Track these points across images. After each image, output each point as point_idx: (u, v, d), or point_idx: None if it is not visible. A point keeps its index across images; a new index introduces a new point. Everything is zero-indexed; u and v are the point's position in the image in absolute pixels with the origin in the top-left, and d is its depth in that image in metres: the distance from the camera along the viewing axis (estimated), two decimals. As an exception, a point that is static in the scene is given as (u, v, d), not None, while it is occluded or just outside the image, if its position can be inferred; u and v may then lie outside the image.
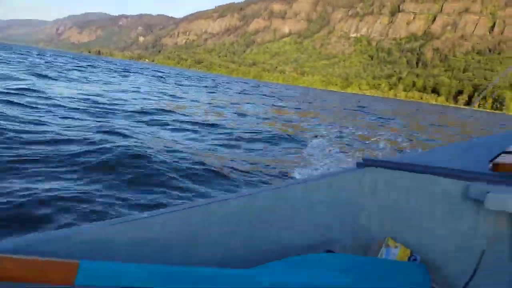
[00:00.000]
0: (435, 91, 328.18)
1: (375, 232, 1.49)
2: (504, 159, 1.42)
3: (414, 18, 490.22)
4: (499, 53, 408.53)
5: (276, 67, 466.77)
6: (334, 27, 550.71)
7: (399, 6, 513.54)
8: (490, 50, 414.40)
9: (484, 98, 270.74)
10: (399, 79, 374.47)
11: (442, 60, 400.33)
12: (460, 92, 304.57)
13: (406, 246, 1.41)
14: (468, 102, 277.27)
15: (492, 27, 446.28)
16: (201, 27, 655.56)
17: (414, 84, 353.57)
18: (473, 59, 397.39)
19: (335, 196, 1.42)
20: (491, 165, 1.37)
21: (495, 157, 1.45)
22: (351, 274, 1.03)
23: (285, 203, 1.29)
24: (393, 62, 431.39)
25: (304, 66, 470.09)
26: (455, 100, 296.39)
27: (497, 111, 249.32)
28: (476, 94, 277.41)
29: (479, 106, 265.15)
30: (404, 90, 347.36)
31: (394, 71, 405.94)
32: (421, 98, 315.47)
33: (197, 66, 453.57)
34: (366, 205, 1.50)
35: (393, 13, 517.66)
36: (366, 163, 1.51)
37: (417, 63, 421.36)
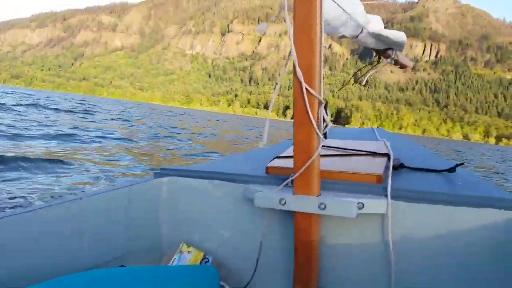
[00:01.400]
0: (266, 107, 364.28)
1: (171, 240, 1.57)
2: (275, 163, 1.61)
3: (242, 38, 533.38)
4: (359, 69, 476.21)
5: (111, 82, 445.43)
6: (169, 43, 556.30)
7: (228, 26, 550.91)
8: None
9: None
10: (235, 95, 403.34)
11: (270, 78, 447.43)
12: (287, 107, 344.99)
13: (200, 249, 1.52)
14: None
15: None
16: (16, 37, 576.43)
17: (249, 101, 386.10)
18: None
19: (131, 207, 1.45)
20: (265, 169, 1.58)
21: (270, 162, 1.64)
22: (138, 286, 1.02)
23: (73, 217, 1.27)
24: (229, 80, 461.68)
25: (142, 81, 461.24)
26: (284, 114, 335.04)
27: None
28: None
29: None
30: (241, 106, 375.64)
31: (231, 89, 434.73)
32: (256, 114, 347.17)
33: (15, 81, 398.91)
34: (162, 214, 1.59)
35: (223, 33, 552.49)
36: (162, 173, 1.62)
37: (249, 80, 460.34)
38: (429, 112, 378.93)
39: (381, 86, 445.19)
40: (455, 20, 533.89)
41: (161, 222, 1.60)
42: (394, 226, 1.25)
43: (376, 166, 1.49)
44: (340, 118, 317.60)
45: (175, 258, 1.47)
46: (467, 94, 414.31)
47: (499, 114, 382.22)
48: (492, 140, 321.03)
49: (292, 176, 1.20)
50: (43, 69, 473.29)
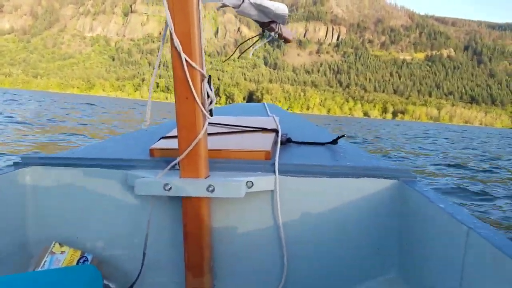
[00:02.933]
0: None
1: (39, 241, 1.36)
2: (159, 144, 1.49)
3: (147, 19, 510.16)
4: (225, 55, 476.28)
5: (0, 69, 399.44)
6: (66, 25, 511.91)
7: (131, 7, 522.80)
8: (218, 53, 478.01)
9: (219, 95, 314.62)
10: (143, 80, 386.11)
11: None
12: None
13: (77, 247, 1.35)
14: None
15: (216, 32, 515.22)
16: None
17: (157, 85, 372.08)
18: (206, 61, 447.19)
19: None
20: (149, 151, 1.45)
21: (154, 143, 1.51)
22: None
23: None
24: (136, 63, 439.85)
25: (37, 67, 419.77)
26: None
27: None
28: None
29: (216, 103, 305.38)
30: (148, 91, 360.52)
31: (138, 72, 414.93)
32: (166, 98, 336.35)
33: None
34: (27, 210, 1.37)
35: (126, 14, 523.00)
36: (25, 162, 1.40)
37: (159, 64, 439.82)
38: (333, 93, 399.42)
39: (289, 69, 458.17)
40: (353, 4, 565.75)
41: (27, 221, 1.37)
42: (283, 201, 1.27)
43: (265, 142, 1.48)
44: (252, 100, 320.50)
45: (45, 261, 1.28)
46: (366, 74, 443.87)
47: (395, 92, 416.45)
48: (389, 116, 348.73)
49: (177, 158, 1.13)
50: None
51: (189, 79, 1.02)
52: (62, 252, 1.31)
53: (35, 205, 1.38)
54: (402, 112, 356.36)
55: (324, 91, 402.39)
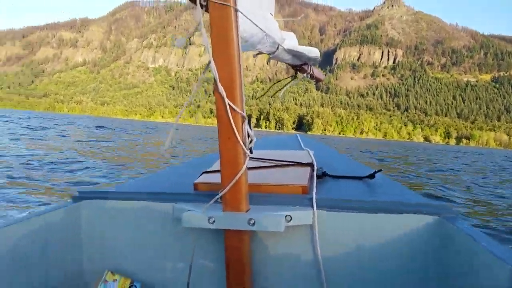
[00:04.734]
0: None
1: (94, 270, 1.46)
2: (202, 178, 1.55)
3: (204, 50, 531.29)
4: (277, 82, 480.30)
5: (72, 98, 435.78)
6: (131, 57, 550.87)
7: (189, 39, 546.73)
8: (270, 79, 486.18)
9: (269, 119, 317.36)
10: (198, 106, 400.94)
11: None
12: (250, 116, 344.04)
13: (127, 276, 1.43)
14: (256, 125, 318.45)
15: (268, 60, 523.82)
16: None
17: (211, 111, 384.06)
18: (258, 87, 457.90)
19: (47, 237, 1.32)
20: (193, 185, 1.51)
21: (197, 178, 1.58)
22: None
23: None
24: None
25: (104, 96, 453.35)
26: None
27: (280, 130, 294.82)
28: (261, 117, 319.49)
29: (265, 127, 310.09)
30: (203, 117, 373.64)
31: (194, 100, 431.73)
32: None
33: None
34: (83, 241, 1.47)
35: (185, 46, 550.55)
36: (82, 196, 1.49)
37: (213, 91, 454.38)
38: (390, 116, 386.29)
39: (342, 93, 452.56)
40: (410, 26, 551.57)
41: (83, 251, 1.47)
42: (321, 236, 1.28)
43: (301, 176, 1.52)
44: (302, 125, 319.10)
45: None
46: (426, 97, 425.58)
47: (459, 116, 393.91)
48: (452, 141, 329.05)
49: (220, 192, 1.19)
50: (1, 88, 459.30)
51: (232, 121, 1.09)
52: (114, 280, 1.38)
53: (90, 237, 1.46)
54: (467, 138, 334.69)
55: (380, 114, 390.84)
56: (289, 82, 1.65)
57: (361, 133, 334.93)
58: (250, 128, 1.15)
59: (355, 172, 1.83)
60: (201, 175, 1.63)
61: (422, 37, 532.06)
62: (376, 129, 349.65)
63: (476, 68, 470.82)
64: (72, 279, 1.41)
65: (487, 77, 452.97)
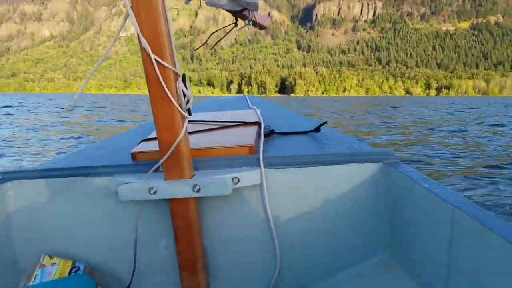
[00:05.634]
0: (210, 84, 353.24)
1: (29, 255, 1.34)
2: (141, 147, 1.45)
3: (178, 14, 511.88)
4: (257, 43, 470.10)
5: (43, 75, 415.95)
6: (101, 27, 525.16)
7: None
8: (249, 41, 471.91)
9: (251, 84, 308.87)
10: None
11: (212, 53, 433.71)
12: (231, 82, 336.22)
13: (68, 258, 1.34)
14: (239, 90, 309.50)
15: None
16: None
17: (190, 79, 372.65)
18: (237, 50, 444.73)
19: None
20: (131, 155, 1.42)
21: (135, 147, 1.49)
22: None
23: None
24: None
25: (77, 71, 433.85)
26: (228, 89, 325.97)
27: (263, 95, 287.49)
28: (243, 82, 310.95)
29: (248, 93, 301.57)
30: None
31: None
32: (199, 92, 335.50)
33: None
34: (13, 226, 1.35)
35: None
36: (6, 177, 1.37)
37: (191, 58, 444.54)
38: (372, 72, 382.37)
39: (324, 51, 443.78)
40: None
41: (13, 237, 1.35)
42: (270, 194, 1.28)
43: (248, 136, 1.48)
44: (285, 87, 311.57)
45: (36, 274, 1.25)
46: (407, 49, 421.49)
47: (439, 66, 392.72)
48: (432, 92, 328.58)
49: (159, 160, 1.12)
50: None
51: (162, 80, 1.00)
52: (53, 264, 1.29)
53: (21, 220, 1.36)
54: (447, 87, 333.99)
55: (362, 70, 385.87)
56: (230, 31, 1.49)
57: (344, 91, 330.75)
58: (186, 86, 1.06)
59: (302, 127, 1.84)
60: (139, 143, 1.54)
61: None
62: (358, 86, 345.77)
63: (454, 16, 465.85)
64: (4, 269, 1.31)
65: (465, 24, 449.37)
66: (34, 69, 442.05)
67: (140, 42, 0.98)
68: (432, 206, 0.97)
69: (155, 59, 0.98)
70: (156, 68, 0.99)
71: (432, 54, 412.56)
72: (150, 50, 0.97)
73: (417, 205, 1.05)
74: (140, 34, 0.97)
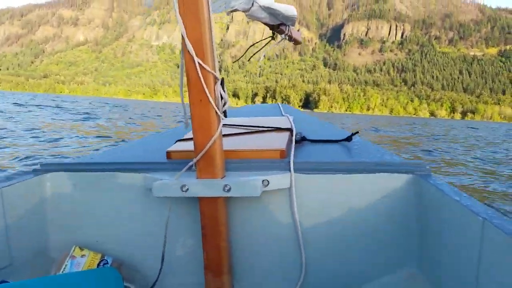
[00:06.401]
0: (235, 95, 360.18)
1: (60, 245, 1.39)
2: (176, 147, 1.50)
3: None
4: (284, 58, 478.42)
5: (74, 78, 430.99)
6: (134, 35, 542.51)
7: None
8: (277, 56, 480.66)
9: (275, 97, 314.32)
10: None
11: (240, 66, 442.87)
12: (255, 95, 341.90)
13: (97, 251, 1.36)
14: (263, 102, 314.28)
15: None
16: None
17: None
18: (264, 64, 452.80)
19: (6, 212, 1.24)
20: (166, 154, 1.47)
21: (170, 146, 1.53)
22: None
23: None
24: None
25: (106, 75, 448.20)
26: (253, 101, 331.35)
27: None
28: (268, 95, 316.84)
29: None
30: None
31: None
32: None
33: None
34: (48, 216, 1.40)
35: (151, 5, 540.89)
36: (45, 168, 1.42)
37: (220, 69, 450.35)
38: (396, 92, 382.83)
39: (350, 69, 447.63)
40: (418, 0, 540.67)
41: (47, 226, 1.39)
42: (299, 199, 1.28)
43: (279, 141, 1.51)
44: (309, 102, 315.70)
45: (66, 265, 1.29)
46: (433, 72, 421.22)
47: (465, 90, 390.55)
48: (457, 116, 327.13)
49: (193, 160, 1.15)
50: (0, 69, 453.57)
51: (203, 82, 1.04)
52: (82, 256, 1.32)
53: (56, 211, 1.40)
54: (473, 112, 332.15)
55: (387, 90, 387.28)
56: (267, 44, 1.55)
57: (368, 109, 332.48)
58: (224, 90, 1.10)
59: (334, 136, 1.83)
60: (174, 143, 1.59)
61: (430, 11, 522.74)
62: (382, 105, 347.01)
63: (483, 42, 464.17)
64: (36, 257, 1.34)
65: (493, 50, 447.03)
66: (66, 71, 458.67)
67: (185, 45, 1.02)
68: (462, 219, 0.95)
69: (198, 63, 1.02)
70: (199, 71, 1.03)
71: (458, 78, 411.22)
72: (194, 53, 1.02)
73: (447, 217, 1.03)
74: (186, 37, 1.02)
